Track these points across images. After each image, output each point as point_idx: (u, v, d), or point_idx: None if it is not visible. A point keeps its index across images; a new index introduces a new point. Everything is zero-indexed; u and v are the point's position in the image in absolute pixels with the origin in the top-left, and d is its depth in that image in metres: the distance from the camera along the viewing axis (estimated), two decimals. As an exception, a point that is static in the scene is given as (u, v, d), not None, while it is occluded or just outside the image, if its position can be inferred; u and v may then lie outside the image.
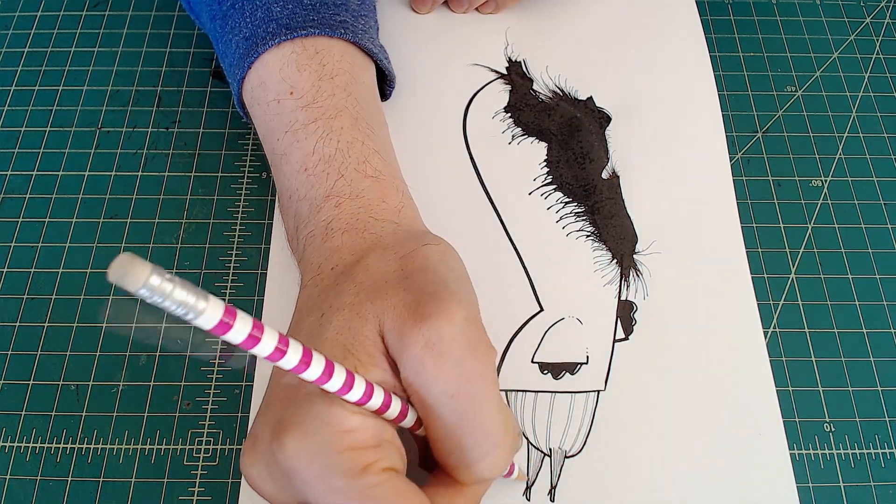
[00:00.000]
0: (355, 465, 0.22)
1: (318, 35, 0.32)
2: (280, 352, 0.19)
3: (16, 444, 0.32)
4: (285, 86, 0.32)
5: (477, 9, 0.44)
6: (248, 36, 0.33)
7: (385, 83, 0.38)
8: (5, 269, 0.37)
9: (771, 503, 0.31)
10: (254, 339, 0.18)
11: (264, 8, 0.33)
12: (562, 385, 0.34)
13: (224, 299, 0.35)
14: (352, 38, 0.33)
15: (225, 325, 0.17)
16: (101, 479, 0.32)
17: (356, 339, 0.24)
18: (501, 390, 0.34)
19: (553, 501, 0.31)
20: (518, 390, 0.34)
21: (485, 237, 0.37)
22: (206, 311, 0.16)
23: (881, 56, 0.44)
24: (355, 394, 0.22)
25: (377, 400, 0.23)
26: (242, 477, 0.31)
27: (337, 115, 0.31)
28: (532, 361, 0.34)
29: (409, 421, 0.25)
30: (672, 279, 0.36)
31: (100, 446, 0.32)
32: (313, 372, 0.21)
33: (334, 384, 0.21)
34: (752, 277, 0.36)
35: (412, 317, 0.24)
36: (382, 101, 0.39)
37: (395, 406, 0.24)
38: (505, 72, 0.42)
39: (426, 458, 0.27)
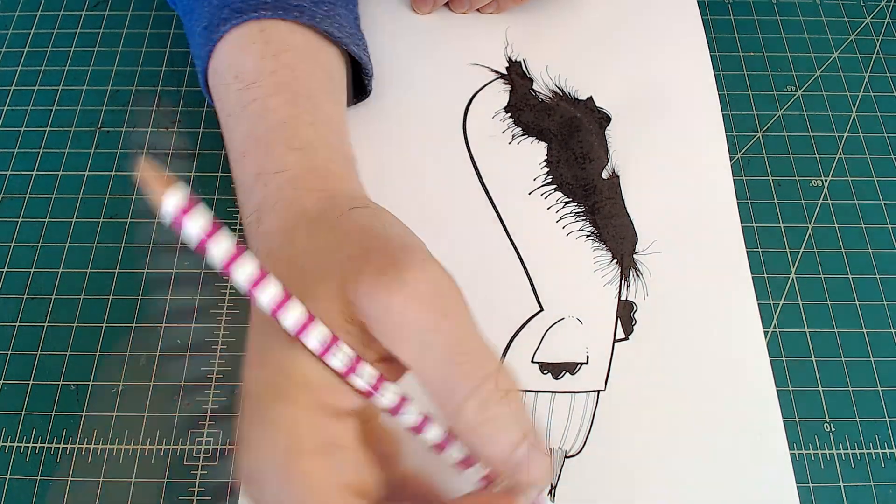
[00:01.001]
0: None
1: (269, 17, 0.31)
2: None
3: (16, 444, 0.32)
4: (232, 70, 0.31)
5: (477, 9, 0.44)
6: (207, 25, 0.32)
7: (362, 73, 0.37)
8: (5, 269, 0.37)
9: (771, 503, 0.31)
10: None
11: None
12: (562, 385, 0.34)
13: (225, 298, 0.36)
14: (307, 21, 0.32)
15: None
16: (101, 479, 0.32)
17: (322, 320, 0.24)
18: (501, 390, 0.34)
19: (553, 501, 0.31)
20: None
21: (485, 237, 0.37)
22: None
23: (881, 56, 0.44)
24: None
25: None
26: (242, 477, 0.31)
27: (275, 93, 0.30)
28: (532, 361, 0.34)
29: (388, 399, 0.24)
30: (672, 279, 0.36)
31: (100, 446, 0.32)
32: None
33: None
34: (753, 277, 0.36)
35: (374, 277, 0.23)
36: (364, 96, 0.39)
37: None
38: (505, 72, 0.42)
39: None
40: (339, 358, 0.22)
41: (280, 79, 0.31)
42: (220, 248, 0.19)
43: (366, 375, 0.23)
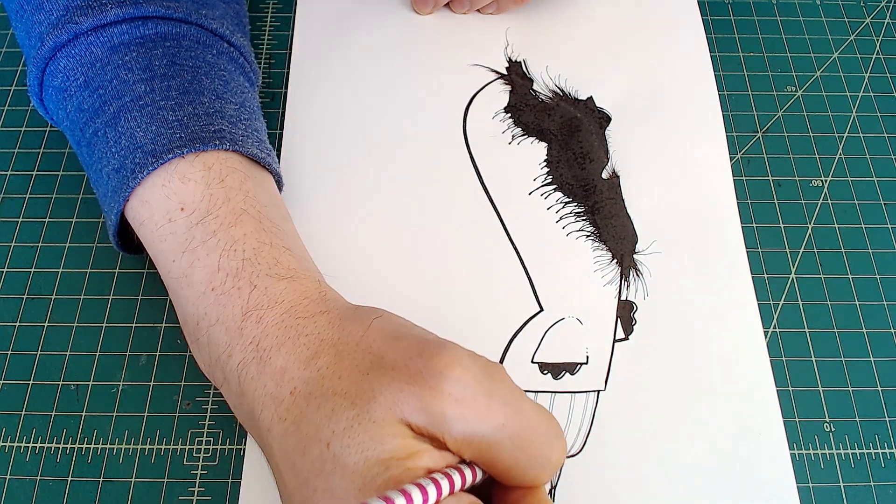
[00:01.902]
0: None
1: (188, 153, 0.29)
2: None
3: (16, 444, 0.32)
4: (173, 202, 0.29)
5: (478, 10, 0.44)
6: (118, 168, 0.30)
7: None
8: (5, 269, 0.37)
9: (771, 503, 0.31)
10: None
11: (128, 135, 0.30)
12: (562, 385, 0.34)
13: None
14: (229, 148, 0.30)
15: None
16: (101, 479, 0.32)
17: (388, 446, 0.22)
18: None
19: (553, 501, 0.31)
20: (518, 390, 0.34)
21: (485, 237, 0.37)
22: None
23: (881, 56, 0.44)
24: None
25: (457, 484, 0.23)
26: (242, 476, 0.31)
27: (237, 223, 0.29)
28: (532, 362, 0.34)
29: (479, 478, 0.25)
30: (672, 279, 0.36)
31: (100, 446, 0.32)
32: None
33: None
34: (753, 277, 0.36)
35: (423, 387, 0.23)
36: None
37: (468, 475, 0.24)
38: (505, 72, 0.42)
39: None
40: None
41: (235, 206, 0.29)
42: None
43: None
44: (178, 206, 0.29)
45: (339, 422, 0.23)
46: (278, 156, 0.39)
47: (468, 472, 0.24)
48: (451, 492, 0.22)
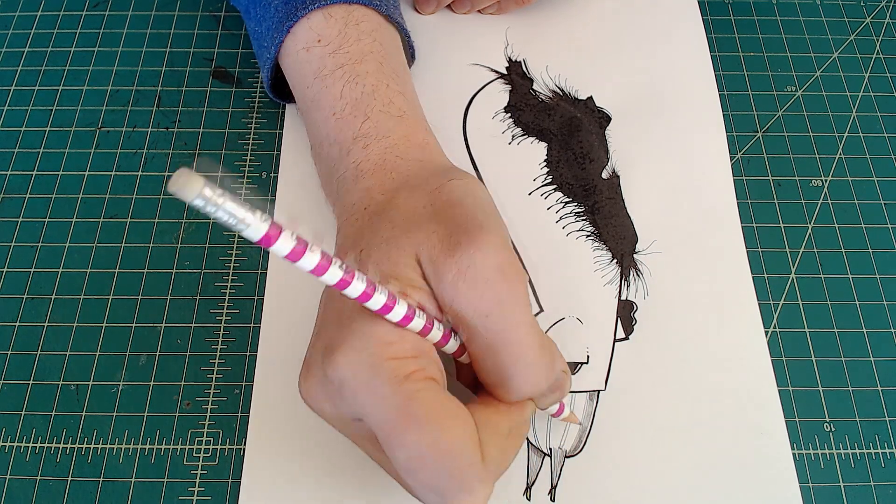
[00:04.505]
0: (398, 373, 0.23)
1: (354, 3, 0.34)
2: (322, 268, 0.20)
3: (16, 444, 0.32)
4: (313, 34, 0.33)
5: (479, 10, 0.44)
6: (287, 1, 0.34)
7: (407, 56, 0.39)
8: (5, 269, 0.37)
9: (774, 503, 0.31)
10: (297, 253, 0.19)
11: None
12: (562, 385, 0.34)
13: (225, 298, 0.35)
14: (385, 11, 0.35)
15: (269, 239, 0.18)
16: (101, 479, 0.32)
17: (396, 266, 0.26)
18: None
19: (553, 501, 0.31)
20: (518, 390, 0.34)
21: (485, 237, 0.37)
22: (253, 225, 0.17)
23: (881, 56, 0.44)
24: (397, 313, 0.23)
25: (418, 323, 0.24)
26: (242, 476, 0.31)
27: (362, 60, 0.33)
28: (532, 361, 0.34)
29: (451, 347, 0.26)
30: (672, 279, 0.36)
31: (100, 446, 0.32)
32: (355, 288, 0.22)
33: (375, 302, 0.23)
34: (753, 277, 0.36)
35: (445, 247, 0.25)
36: None
37: (437, 331, 0.25)
38: (505, 72, 0.42)
39: (473, 385, 0.29)
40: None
41: (363, 47, 0.33)
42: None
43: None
44: (316, 38, 0.33)
45: (375, 237, 0.27)
46: (278, 156, 0.39)
47: (453, 337, 0.26)
48: (428, 329, 0.25)
